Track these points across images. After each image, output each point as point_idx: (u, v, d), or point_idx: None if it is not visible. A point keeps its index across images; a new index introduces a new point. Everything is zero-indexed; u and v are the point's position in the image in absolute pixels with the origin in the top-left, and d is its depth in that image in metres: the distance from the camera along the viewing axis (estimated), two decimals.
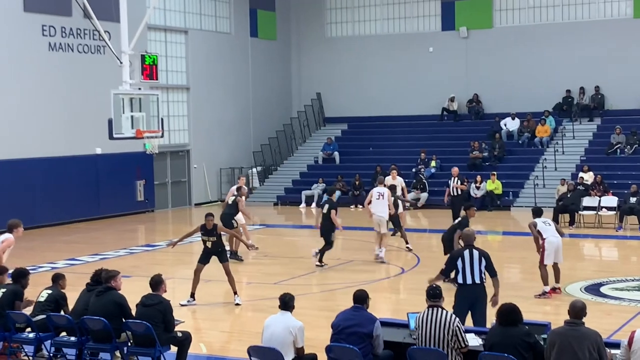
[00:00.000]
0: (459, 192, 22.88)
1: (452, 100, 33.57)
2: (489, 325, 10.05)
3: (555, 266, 14.99)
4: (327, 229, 17.80)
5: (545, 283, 14.78)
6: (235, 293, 14.67)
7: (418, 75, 34.26)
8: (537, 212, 15.38)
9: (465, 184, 23.73)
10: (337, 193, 22.18)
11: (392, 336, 9.20)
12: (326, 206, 17.95)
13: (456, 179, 23.04)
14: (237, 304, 14.57)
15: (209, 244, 14.68)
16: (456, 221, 16.93)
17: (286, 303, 9.24)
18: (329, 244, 17.90)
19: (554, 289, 14.88)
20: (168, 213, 30.08)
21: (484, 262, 10.71)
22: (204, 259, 14.77)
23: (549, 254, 14.72)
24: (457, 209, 21.86)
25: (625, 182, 26.09)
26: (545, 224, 15.02)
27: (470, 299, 10.63)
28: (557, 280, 15.03)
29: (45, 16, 25.87)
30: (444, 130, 33.33)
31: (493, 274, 10.82)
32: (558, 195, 25.14)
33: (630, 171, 27.75)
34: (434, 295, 8.80)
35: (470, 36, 33.44)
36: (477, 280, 10.68)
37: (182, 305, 14.36)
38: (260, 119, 34.67)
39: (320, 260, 17.83)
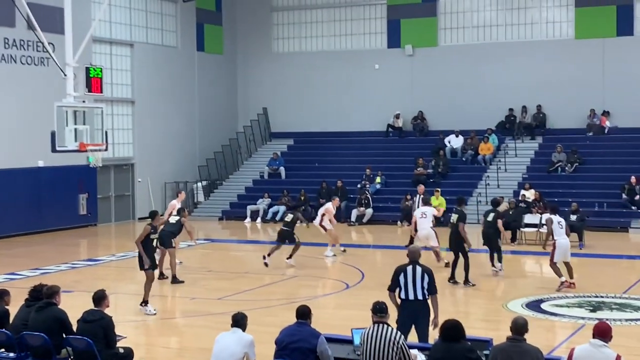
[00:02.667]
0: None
1: (397, 117, 33.83)
2: (431, 341, 10.12)
3: (568, 265, 16.80)
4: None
5: (560, 275, 16.60)
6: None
7: (364, 91, 34.48)
8: (556, 210, 17.64)
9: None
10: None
11: (336, 352, 9.19)
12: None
13: (420, 196, 23.51)
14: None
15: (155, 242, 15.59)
16: (455, 217, 17.79)
17: (238, 321, 9.19)
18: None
19: (570, 284, 16.65)
20: (111, 227, 29.73)
21: (426, 279, 10.73)
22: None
23: (558, 253, 16.62)
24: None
25: (566, 199, 26.53)
26: (559, 225, 16.82)
27: (413, 315, 10.67)
28: (571, 276, 16.75)
29: None
30: (389, 146, 33.55)
31: (433, 291, 10.75)
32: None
33: (571, 189, 28.24)
34: (380, 310, 8.81)
35: (415, 54, 33.79)
36: (419, 297, 10.68)
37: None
38: (206, 133, 34.54)
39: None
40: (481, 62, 32.82)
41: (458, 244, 17.45)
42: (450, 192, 27.47)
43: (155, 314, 15.01)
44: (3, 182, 25.90)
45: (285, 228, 20.19)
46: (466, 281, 17.30)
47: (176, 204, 19.94)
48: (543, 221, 23.94)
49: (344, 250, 21.98)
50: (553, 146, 30.32)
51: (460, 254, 17.44)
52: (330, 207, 21.92)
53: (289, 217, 20.48)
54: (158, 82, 32.27)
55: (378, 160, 32.19)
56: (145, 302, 15.10)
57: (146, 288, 15.10)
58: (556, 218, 16.96)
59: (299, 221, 20.63)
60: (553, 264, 16.71)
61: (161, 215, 18.04)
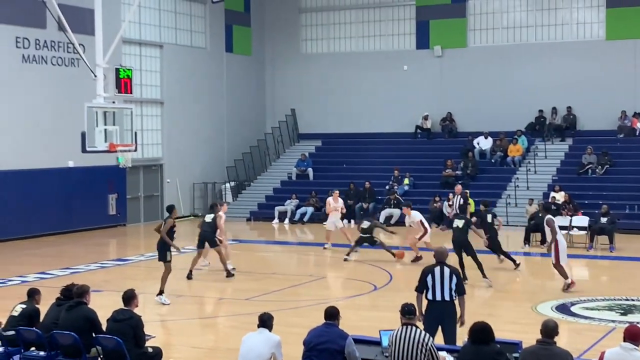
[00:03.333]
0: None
1: (425, 118, 33.74)
2: (459, 342, 10.08)
3: (567, 264, 16.78)
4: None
5: (567, 276, 16.55)
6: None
7: (392, 93, 34.41)
8: (550, 209, 17.83)
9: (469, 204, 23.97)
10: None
11: (364, 353, 9.18)
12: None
13: (459, 196, 23.41)
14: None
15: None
16: (462, 223, 17.89)
17: (265, 322, 9.22)
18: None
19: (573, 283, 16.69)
20: (140, 227, 29.91)
21: (454, 280, 10.69)
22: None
23: (562, 252, 16.50)
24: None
25: (596, 202, 26.30)
26: (557, 225, 16.78)
27: (440, 316, 10.63)
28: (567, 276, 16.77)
29: (19, 28, 25.71)
30: (417, 148, 33.47)
31: (461, 292, 10.75)
32: (528, 215, 25.30)
33: (601, 191, 27.99)
34: (408, 312, 8.78)
35: (444, 55, 33.68)
36: (447, 298, 10.64)
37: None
38: (234, 134, 34.65)
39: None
40: (511, 63, 32.65)
41: (464, 246, 17.72)
42: (479, 194, 27.34)
43: (169, 304, 15.63)
44: (34, 182, 26.14)
45: (364, 235, 20.98)
46: (484, 276, 17.47)
47: (222, 215, 19.55)
48: (573, 223, 23.93)
49: (325, 248, 22.85)
50: (583, 148, 30.08)
51: (466, 256, 17.65)
52: (330, 200, 23.32)
53: (365, 224, 21.10)
54: (187, 83, 32.42)
55: (406, 161, 32.11)
56: (161, 292, 15.80)
57: (163, 279, 15.88)
58: (555, 218, 16.99)
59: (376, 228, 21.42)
60: (559, 265, 16.61)
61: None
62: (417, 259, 20.26)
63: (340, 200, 24.07)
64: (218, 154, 34.01)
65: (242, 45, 35.49)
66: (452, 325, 10.67)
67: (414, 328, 8.63)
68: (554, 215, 24.20)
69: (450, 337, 10.61)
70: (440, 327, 10.67)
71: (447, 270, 10.69)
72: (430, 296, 10.66)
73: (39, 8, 24.01)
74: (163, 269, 16.03)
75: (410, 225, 21.22)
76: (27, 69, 26.02)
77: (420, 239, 20.38)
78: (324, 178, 32.67)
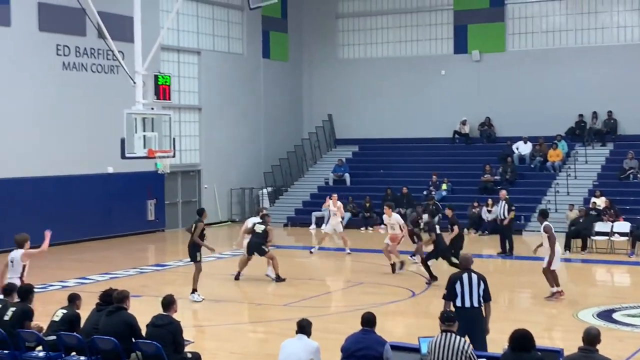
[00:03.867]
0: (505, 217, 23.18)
1: (463, 123, 33.58)
2: (498, 351, 9.99)
3: (554, 272, 16.46)
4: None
5: (555, 284, 16.33)
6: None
7: (430, 97, 34.31)
8: (547, 214, 17.16)
9: (513, 209, 23.65)
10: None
11: None
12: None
13: (503, 202, 23.23)
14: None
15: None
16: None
17: (303, 327, 9.21)
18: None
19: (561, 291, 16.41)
20: (178, 233, 30.08)
21: (482, 286, 10.63)
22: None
23: (557, 259, 16.28)
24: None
25: (637, 207, 25.98)
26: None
27: (469, 323, 10.53)
28: (558, 284, 16.53)
29: (60, 35, 26.04)
30: (455, 153, 33.33)
31: (488, 298, 10.69)
32: (569, 221, 25.05)
33: None
34: (448, 319, 8.71)
35: (482, 59, 33.51)
36: (475, 304, 10.59)
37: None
38: (271, 140, 34.76)
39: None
40: (550, 68, 32.38)
41: None
42: (518, 200, 27.13)
43: (202, 300, 16.34)
44: (74, 188, 26.41)
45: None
46: None
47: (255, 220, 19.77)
48: (615, 229, 23.62)
49: (311, 252, 23.58)
50: (624, 153, 29.72)
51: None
52: (329, 203, 23.97)
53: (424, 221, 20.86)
54: (224, 89, 32.60)
55: (444, 167, 31.98)
56: (194, 291, 16.50)
57: (195, 278, 16.71)
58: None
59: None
60: (550, 271, 16.38)
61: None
62: (401, 264, 19.94)
63: (340, 204, 24.24)
64: (255, 160, 34.14)
65: (279, 51, 35.62)
66: (482, 332, 10.60)
67: (453, 335, 8.57)
68: (595, 221, 24.09)
69: (480, 343, 10.52)
70: (467, 335, 10.59)
71: (474, 277, 10.66)
72: (459, 303, 10.60)
73: (79, 16, 24.24)
74: (194, 269, 16.79)
75: (385, 225, 20.83)
76: (68, 76, 26.34)
77: (398, 242, 20.05)
78: (361, 183, 32.63)
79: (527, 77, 32.66)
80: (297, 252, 25.83)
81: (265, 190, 33.32)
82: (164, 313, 10.09)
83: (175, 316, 10.17)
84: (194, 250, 17.04)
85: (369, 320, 9.00)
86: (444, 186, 30.71)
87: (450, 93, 33.94)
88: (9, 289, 11.59)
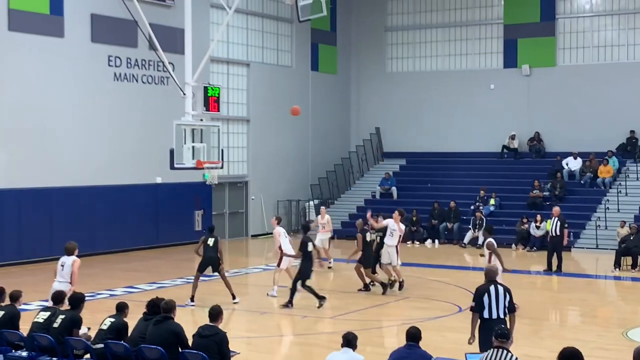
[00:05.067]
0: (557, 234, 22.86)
1: (512, 138, 33.33)
2: None
3: None
4: None
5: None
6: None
7: (478, 112, 34.12)
8: (492, 231, 16.96)
9: (567, 227, 23.48)
10: None
11: None
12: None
13: (556, 219, 22.98)
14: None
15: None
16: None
17: (349, 341, 9.20)
18: None
19: None
20: (225, 244, 30.20)
21: (507, 297, 10.83)
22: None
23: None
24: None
25: None
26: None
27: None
28: None
29: (112, 47, 26.42)
30: (503, 168, 33.07)
31: (512, 309, 10.93)
32: (619, 238, 24.68)
33: None
34: (502, 335, 8.59)
35: (532, 74, 33.23)
36: (502, 315, 10.76)
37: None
38: (318, 152, 34.83)
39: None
40: (601, 83, 31.99)
41: None
42: (568, 216, 26.78)
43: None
44: (123, 198, 26.72)
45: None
46: None
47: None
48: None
49: (329, 266, 23.17)
50: None
51: None
52: (318, 218, 24.10)
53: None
54: (273, 101, 32.74)
55: (492, 181, 31.72)
56: (233, 296, 17.60)
57: (227, 284, 17.76)
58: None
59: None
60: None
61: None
62: (400, 285, 19.45)
63: (328, 217, 24.10)
64: (302, 172, 34.23)
65: (327, 63, 35.72)
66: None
67: (506, 352, 8.45)
68: None
69: None
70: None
71: (500, 288, 10.88)
72: (486, 315, 10.74)
73: (131, 27, 24.63)
74: (222, 280, 17.82)
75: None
76: (119, 87, 26.69)
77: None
78: (408, 197, 32.52)
79: (578, 92, 32.32)
80: (343, 264, 25.76)
81: (311, 203, 33.36)
82: (211, 324, 10.15)
83: (222, 327, 10.22)
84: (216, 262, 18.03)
85: (414, 335, 8.96)
86: (492, 201, 30.47)
87: (499, 107, 33.71)
88: (59, 297, 11.74)
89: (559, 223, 22.97)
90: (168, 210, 28.11)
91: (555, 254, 22.80)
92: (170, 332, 10.17)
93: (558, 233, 22.93)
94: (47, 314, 11.36)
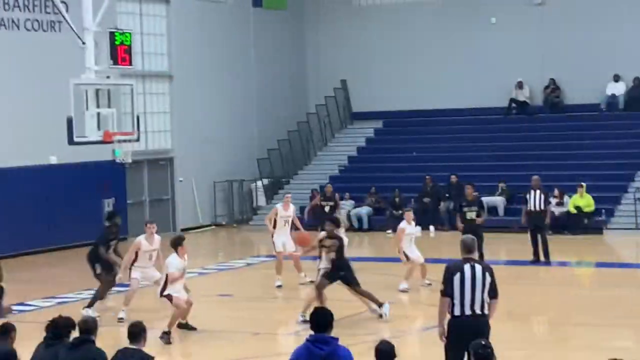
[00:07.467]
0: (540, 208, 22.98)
1: (520, 86, 33.51)
2: None
3: None
4: None
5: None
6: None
7: (476, 55, 34.19)
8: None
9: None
10: None
11: None
12: None
13: (537, 192, 23.09)
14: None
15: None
16: None
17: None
18: None
19: None
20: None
21: (488, 280, 10.73)
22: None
23: None
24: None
25: None
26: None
27: (467, 337, 10.22)
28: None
29: None
30: (510, 127, 33.31)
31: (495, 294, 10.86)
32: None
33: None
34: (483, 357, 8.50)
35: (546, 2, 33.38)
36: (479, 310, 10.67)
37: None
38: (266, 116, 34.73)
39: None
40: (635, 11, 32.29)
41: None
42: (597, 188, 27.22)
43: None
44: (5, 186, 26.39)
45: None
46: None
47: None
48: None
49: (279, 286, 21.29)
50: None
51: None
52: (277, 208, 22.07)
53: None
54: (202, 49, 32.53)
55: (496, 146, 32.12)
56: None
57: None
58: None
59: None
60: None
61: None
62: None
63: (292, 207, 22.27)
64: (246, 143, 34.11)
65: None
66: None
67: None
68: None
69: None
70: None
71: (478, 268, 10.83)
72: (457, 311, 10.74)
73: None
74: None
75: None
76: None
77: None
78: (386, 171, 32.61)
79: (604, 23, 32.49)
80: (305, 264, 25.76)
81: (259, 183, 33.29)
82: (132, 346, 10.07)
83: (148, 350, 10.16)
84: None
85: (386, 354, 8.90)
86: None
87: (502, 48, 33.76)
88: None
89: (542, 196, 23.11)
90: (67, 200, 27.83)
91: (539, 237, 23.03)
92: None
93: (542, 208, 23.13)
94: None
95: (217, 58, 33.16)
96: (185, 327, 16.55)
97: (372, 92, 35.66)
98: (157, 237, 18.05)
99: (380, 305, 17.09)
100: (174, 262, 16.21)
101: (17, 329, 11.09)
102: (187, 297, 16.49)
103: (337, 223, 18.15)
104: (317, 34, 36.86)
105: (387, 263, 22.92)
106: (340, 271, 17.06)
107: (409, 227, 20.28)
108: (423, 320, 17.57)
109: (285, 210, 21.76)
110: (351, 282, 17.13)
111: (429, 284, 19.66)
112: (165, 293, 16.16)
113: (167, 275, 16.21)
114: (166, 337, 15.67)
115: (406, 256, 20.06)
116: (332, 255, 17.17)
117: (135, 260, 17.81)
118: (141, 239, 18.02)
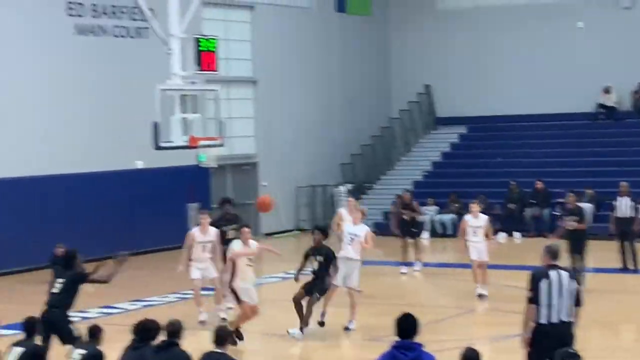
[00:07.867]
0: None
1: (607, 91, 33.21)
2: None
3: None
4: None
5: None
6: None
7: (563, 59, 33.94)
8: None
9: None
10: None
11: None
12: None
13: (626, 198, 22.95)
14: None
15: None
16: None
17: None
18: None
19: None
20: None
21: (574, 287, 10.75)
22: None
23: None
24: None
25: None
26: None
27: (553, 344, 10.07)
28: None
29: None
30: (598, 133, 33.01)
31: (579, 302, 10.91)
32: None
33: None
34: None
35: (634, 5, 33.03)
36: (565, 317, 10.67)
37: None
38: (350, 121, 34.81)
39: None
40: None
41: None
42: None
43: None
44: (91, 191, 26.75)
45: None
46: None
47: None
48: None
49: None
50: None
51: None
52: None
53: None
54: (286, 55, 32.72)
55: (583, 152, 31.91)
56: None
57: None
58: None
59: None
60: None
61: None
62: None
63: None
64: (329, 148, 34.22)
65: (358, 2, 35.67)
66: None
67: None
68: None
69: None
70: None
71: (564, 275, 10.83)
72: (543, 319, 10.71)
73: None
74: None
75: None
76: (82, 42, 26.78)
77: None
78: (471, 176, 32.52)
79: None
80: (387, 268, 25.80)
81: (343, 188, 33.37)
82: (218, 350, 10.20)
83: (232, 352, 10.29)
84: None
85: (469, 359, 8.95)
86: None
87: (590, 52, 33.51)
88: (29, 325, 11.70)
89: (631, 203, 22.94)
90: (152, 204, 28.17)
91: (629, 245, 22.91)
92: None
93: (631, 215, 22.92)
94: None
95: (300, 63, 33.32)
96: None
97: (456, 97, 35.61)
98: (211, 229, 18.28)
99: (301, 327, 16.80)
100: (235, 246, 16.54)
101: (105, 332, 11.37)
102: (254, 305, 16.58)
103: (325, 233, 17.84)
104: (401, 39, 36.86)
105: (469, 269, 22.84)
106: (318, 282, 17.01)
107: (471, 219, 20.24)
108: (508, 328, 17.49)
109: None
110: (315, 291, 16.99)
111: (483, 296, 19.62)
112: (236, 291, 16.39)
113: (233, 263, 16.32)
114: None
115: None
116: (316, 265, 17.13)
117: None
118: (195, 230, 18.23)
